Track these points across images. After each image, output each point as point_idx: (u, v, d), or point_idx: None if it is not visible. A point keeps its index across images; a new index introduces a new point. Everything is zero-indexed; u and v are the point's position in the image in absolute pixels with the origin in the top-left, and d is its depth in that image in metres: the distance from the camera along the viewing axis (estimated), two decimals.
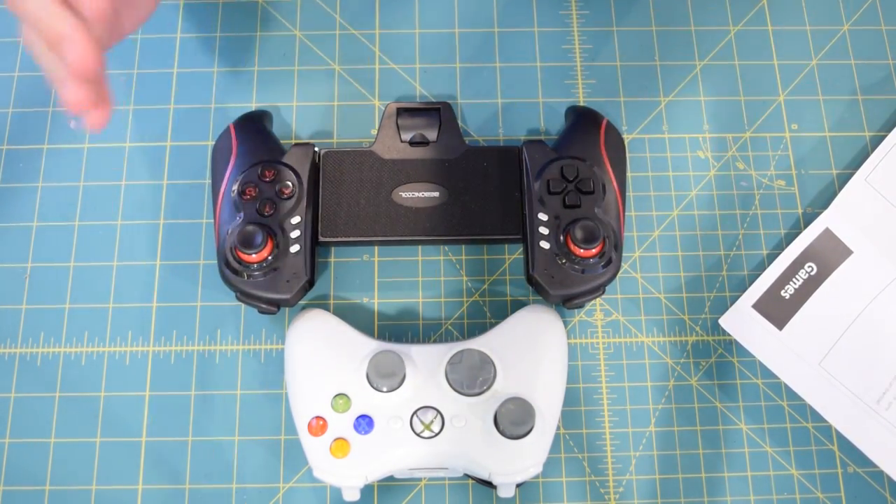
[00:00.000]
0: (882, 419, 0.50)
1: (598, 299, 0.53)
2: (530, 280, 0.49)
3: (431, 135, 0.52)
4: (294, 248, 0.48)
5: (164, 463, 0.50)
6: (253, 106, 0.56)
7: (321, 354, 0.48)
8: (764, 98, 0.58)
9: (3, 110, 0.56)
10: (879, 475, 0.50)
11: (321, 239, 0.50)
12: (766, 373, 0.52)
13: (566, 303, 0.49)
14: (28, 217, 0.54)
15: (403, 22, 0.59)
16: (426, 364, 0.47)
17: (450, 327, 0.52)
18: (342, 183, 0.51)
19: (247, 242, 0.46)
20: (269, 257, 0.47)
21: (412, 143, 0.52)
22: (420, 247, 0.54)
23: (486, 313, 0.53)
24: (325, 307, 0.52)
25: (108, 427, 0.50)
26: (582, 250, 0.47)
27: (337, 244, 0.51)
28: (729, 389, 0.52)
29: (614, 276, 0.49)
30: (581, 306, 0.50)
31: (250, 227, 0.47)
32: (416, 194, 0.51)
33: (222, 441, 0.50)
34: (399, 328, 0.52)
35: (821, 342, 0.52)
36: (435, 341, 0.52)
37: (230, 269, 0.47)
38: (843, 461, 0.50)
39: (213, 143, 0.53)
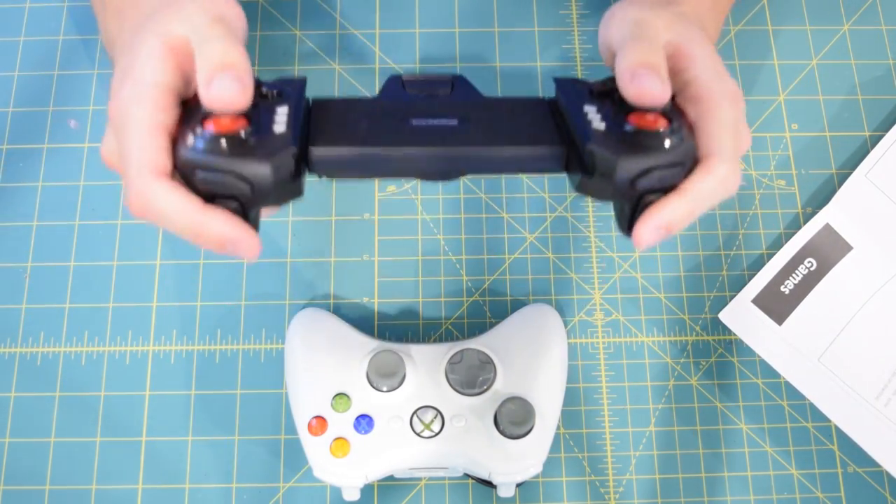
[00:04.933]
0: (881, 414, 0.50)
1: (597, 299, 0.53)
2: (585, 169, 0.37)
3: (444, 92, 0.42)
4: (279, 129, 0.36)
5: (164, 463, 0.49)
6: None
7: (321, 354, 0.48)
8: (764, 98, 0.58)
9: (3, 110, 0.56)
10: (879, 475, 0.50)
11: (312, 148, 0.38)
12: (767, 372, 0.52)
13: (636, 184, 0.36)
14: (28, 217, 0.54)
15: (403, 22, 0.59)
16: (426, 364, 0.47)
17: (450, 327, 0.52)
18: (338, 116, 0.40)
19: None
20: (248, 127, 0.36)
21: (422, 96, 0.42)
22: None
23: (486, 313, 0.53)
24: (325, 307, 0.52)
25: (108, 427, 0.50)
26: (651, 119, 0.37)
27: (333, 162, 0.39)
28: (729, 389, 0.52)
29: (693, 157, 0.37)
30: (648, 203, 0.37)
31: None
32: (431, 122, 0.40)
33: (222, 441, 0.50)
34: (399, 328, 0.52)
35: (820, 337, 0.52)
36: (435, 341, 0.52)
37: (190, 144, 0.35)
38: (843, 461, 0.50)
39: None
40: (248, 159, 0.35)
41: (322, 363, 0.47)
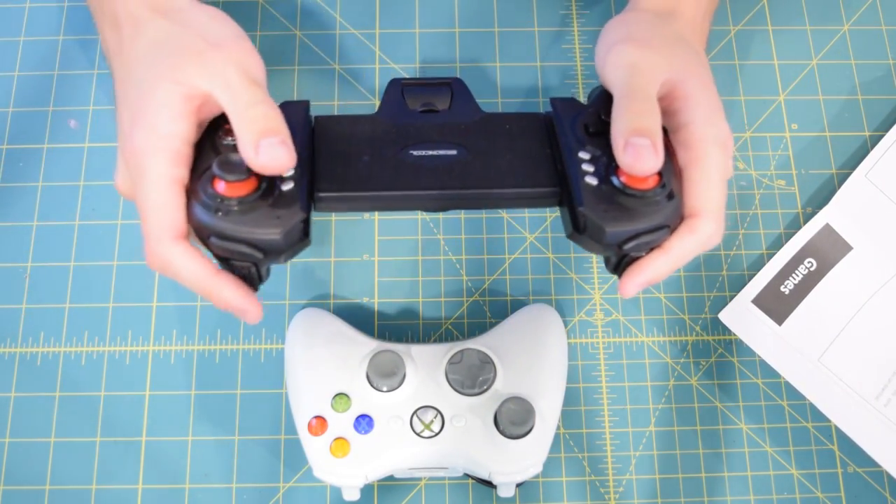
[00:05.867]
0: (881, 414, 0.50)
1: (597, 299, 0.53)
2: (576, 226, 0.39)
3: (443, 105, 0.44)
4: (286, 186, 0.37)
5: (164, 463, 0.49)
6: None
7: (321, 354, 0.48)
8: (764, 98, 0.58)
9: (3, 110, 0.56)
10: (879, 475, 0.50)
11: (318, 194, 0.40)
12: (766, 372, 0.52)
13: (623, 246, 0.38)
14: (28, 217, 0.54)
15: (403, 22, 0.59)
16: (426, 364, 0.47)
17: (450, 327, 0.52)
18: (340, 142, 0.42)
19: (229, 168, 0.36)
20: (257, 190, 0.37)
21: (421, 111, 0.44)
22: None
23: (486, 313, 0.53)
24: (325, 307, 0.52)
25: (108, 427, 0.50)
26: (639, 180, 0.38)
27: (336, 205, 0.41)
28: (729, 389, 0.52)
29: (679, 215, 0.39)
30: (636, 258, 0.40)
31: (233, 154, 0.37)
32: (430, 152, 0.41)
33: (222, 441, 0.50)
34: (399, 328, 0.52)
35: (820, 338, 0.52)
36: (435, 341, 0.52)
37: (206, 208, 0.36)
38: (843, 461, 0.50)
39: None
40: (259, 228, 0.36)
41: (322, 363, 0.47)
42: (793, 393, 0.51)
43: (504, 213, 0.55)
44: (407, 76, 0.57)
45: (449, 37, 0.59)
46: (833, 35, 0.60)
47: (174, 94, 0.37)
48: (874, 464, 0.50)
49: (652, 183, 0.38)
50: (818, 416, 0.51)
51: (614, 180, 0.38)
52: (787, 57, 0.59)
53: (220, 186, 0.36)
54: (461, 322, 0.53)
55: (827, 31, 0.60)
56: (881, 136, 0.56)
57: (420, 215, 0.55)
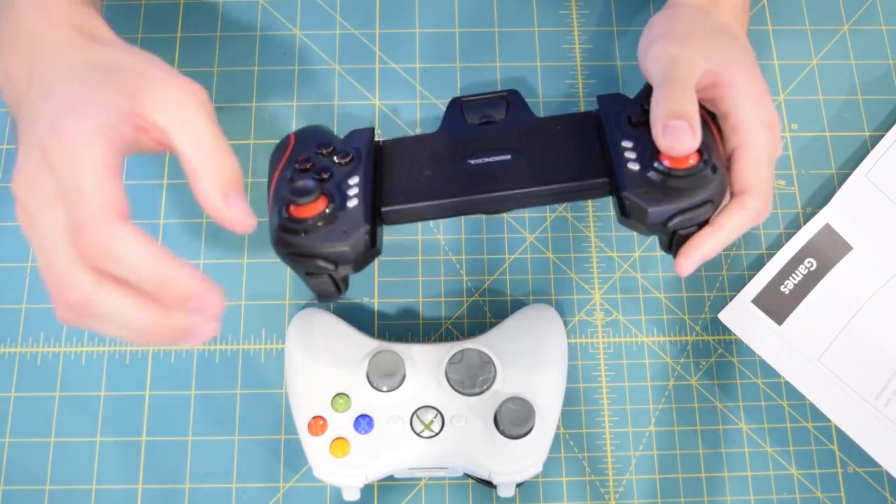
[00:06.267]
0: (881, 414, 0.50)
1: (597, 299, 0.53)
2: (623, 210, 0.41)
3: (500, 115, 0.47)
4: (352, 203, 0.42)
5: (164, 463, 0.49)
6: (253, 106, 0.56)
7: (321, 354, 0.48)
8: None
9: (2, 110, 0.56)
10: (879, 475, 0.50)
11: (384, 209, 0.44)
12: (767, 372, 0.52)
13: (668, 224, 0.40)
14: None
15: (403, 22, 0.59)
16: (426, 364, 0.47)
17: (450, 327, 0.52)
18: (405, 160, 0.46)
19: (299, 192, 0.41)
20: (326, 210, 0.41)
21: (480, 123, 0.47)
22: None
23: (486, 313, 0.53)
24: (326, 307, 0.52)
25: (108, 427, 0.50)
26: (680, 161, 0.40)
27: (402, 216, 0.44)
28: (729, 389, 0.52)
29: (723, 188, 0.41)
30: (685, 237, 0.41)
31: (302, 180, 0.42)
32: (486, 159, 0.44)
33: (222, 441, 0.50)
34: (399, 328, 0.52)
35: (820, 338, 0.52)
36: (435, 341, 0.52)
37: (284, 230, 0.41)
38: (843, 461, 0.50)
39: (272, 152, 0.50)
40: (328, 242, 0.41)
41: (322, 363, 0.47)
42: (793, 393, 0.51)
43: (504, 213, 0.55)
44: (406, 76, 0.57)
45: (449, 37, 0.59)
46: (833, 35, 0.60)
47: (118, 105, 0.34)
48: (874, 464, 0.50)
49: (693, 161, 0.40)
50: (818, 416, 0.51)
51: (657, 165, 0.41)
52: (787, 57, 0.59)
53: (294, 209, 0.41)
54: (461, 322, 0.53)
55: (827, 31, 0.60)
56: (881, 136, 0.56)
57: None
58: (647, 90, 0.45)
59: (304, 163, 0.44)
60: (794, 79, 0.58)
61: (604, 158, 0.44)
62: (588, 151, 0.44)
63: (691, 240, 0.41)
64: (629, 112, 0.44)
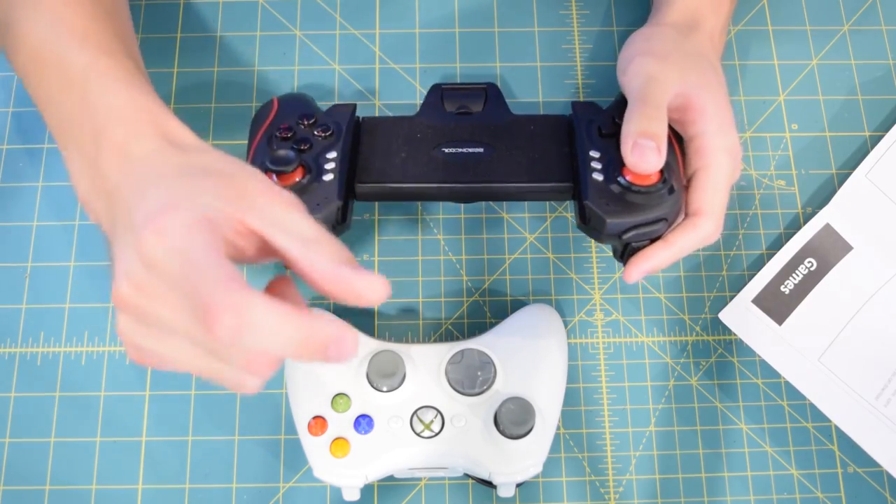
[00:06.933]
0: (881, 414, 0.50)
1: (597, 299, 0.53)
2: (583, 217, 0.44)
3: (477, 107, 0.50)
4: (328, 177, 0.44)
5: (164, 463, 0.49)
6: (253, 106, 0.56)
7: None
8: (764, 98, 0.58)
9: (3, 110, 0.56)
10: (879, 475, 0.50)
11: (358, 184, 0.46)
12: (767, 372, 0.52)
13: (623, 236, 0.43)
14: (28, 217, 0.54)
15: (403, 22, 0.59)
16: (426, 364, 0.47)
17: (450, 327, 0.52)
18: (381, 140, 0.48)
19: (277, 161, 0.43)
20: (301, 180, 0.43)
21: (457, 113, 0.49)
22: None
23: (486, 313, 0.53)
24: (326, 307, 0.52)
25: (108, 427, 0.50)
26: (642, 178, 0.43)
27: (374, 194, 0.47)
28: (729, 389, 0.52)
29: (678, 208, 0.44)
30: (636, 249, 0.44)
31: (282, 150, 0.43)
32: (460, 150, 0.47)
33: (222, 441, 0.50)
34: (399, 328, 0.52)
35: (820, 338, 0.52)
36: (435, 341, 0.52)
37: None
38: (843, 461, 0.50)
39: (254, 113, 0.50)
40: None
41: (322, 363, 0.47)
42: (793, 393, 0.51)
43: (504, 213, 0.55)
44: (406, 76, 0.57)
45: (449, 37, 0.59)
46: (833, 35, 0.60)
47: (219, 207, 0.32)
48: (874, 464, 0.50)
49: (654, 179, 0.43)
50: (818, 416, 0.51)
51: (620, 178, 0.43)
52: (787, 57, 0.59)
53: (272, 178, 0.42)
54: (461, 322, 0.53)
55: (827, 31, 0.60)
56: (881, 136, 0.56)
57: (421, 215, 0.55)
58: (619, 103, 0.47)
59: (285, 131, 0.46)
60: (794, 79, 0.58)
61: (571, 164, 0.46)
62: (557, 155, 0.47)
63: (642, 252, 0.44)
64: (600, 123, 0.46)
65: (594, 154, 0.45)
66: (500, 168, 0.46)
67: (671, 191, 0.43)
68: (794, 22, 0.60)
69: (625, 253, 0.45)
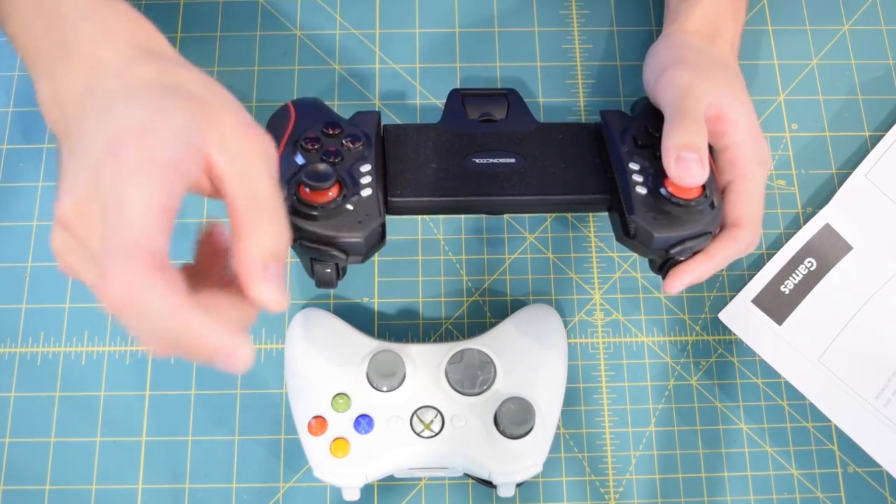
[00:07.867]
0: (881, 414, 0.50)
1: (597, 299, 0.53)
2: (627, 232, 0.44)
3: (500, 114, 0.48)
4: (366, 192, 0.42)
5: (164, 463, 0.49)
6: (253, 105, 0.56)
7: (321, 354, 0.48)
8: (764, 98, 0.58)
9: (3, 110, 0.56)
10: (879, 475, 0.50)
11: (391, 199, 0.44)
12: (767, 372, 0.52)
13: (669, 251, 0.43)
14: (28, 217, 0.54)
15: (403, 22, 0.59)
16: (426, 364, 0.47)
17: (450, 327, 0.52)
18: (409, 150, 0.46)
19: (315, 177, 0.40)
20: (339, 198, 0.41)
21: (481, 120, 0.48)
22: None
23: (486, 313, 0.53)
24: (325, 307, 0.52)
25: (108, 427, 0.50)
26: (685, 191, 0.42)
27: (408, 209, 0.45)
28: (729, 389, 0.52)
29: (720, 221, 0.44)
30: (677, 262, 0.44)
31: (320, 165, 0.41)
32: (491, 160, 0.45)
33: (222, 441, 0.50)
34: (399, 328, 0.52)
35: (820, 338, 0.52)
36: (435, 341, 0.52)
37: (295, 213, 0.40)
38: (843, 461, 0.50)
39: (268, 120, 0.48)
40: (342, 232, 0.40)
41: (322, 363, 0.47)
42: (793, 393, 0.51)
43: (505, 214, 0.55)
44: (406, 76, 0.57)
45: (449, 37, 0.59)
46: (833, 35, 0.60)
47: (190, 138, 0.31)
48: (874, 464, 0.50)
49: (696, 193, 0.42)
50: (818, 416, 0.51)
51: (662, 190, 0.43)
52: (787, 57, 0.59)
53: (307, 193, 0.40)
54: (461, 322, 0.53)
55: (827, 31, 0.60)
56: (881, 136, 0.56)
57: (420, 215, 0.55)
58: (650, 112, 0.47)
59: (312, 142, 0.43)
60: (794, 79, 0.58)
61: (605, 174, 0.46)
62: (590, 165, 0.46)
63: (685, 264, 0.43)
64: (634, 133, 0.45)
65: (634, 167, 0.44)
66: (535, 180, 0.45)
67: (712, 206, 0.43)
68: (794, 22, 0.60)
69: (664, 266, 0.44)
